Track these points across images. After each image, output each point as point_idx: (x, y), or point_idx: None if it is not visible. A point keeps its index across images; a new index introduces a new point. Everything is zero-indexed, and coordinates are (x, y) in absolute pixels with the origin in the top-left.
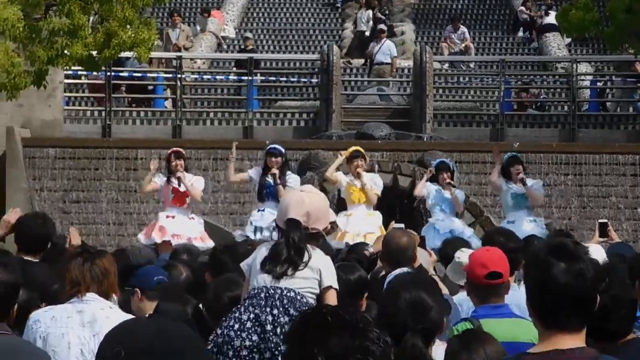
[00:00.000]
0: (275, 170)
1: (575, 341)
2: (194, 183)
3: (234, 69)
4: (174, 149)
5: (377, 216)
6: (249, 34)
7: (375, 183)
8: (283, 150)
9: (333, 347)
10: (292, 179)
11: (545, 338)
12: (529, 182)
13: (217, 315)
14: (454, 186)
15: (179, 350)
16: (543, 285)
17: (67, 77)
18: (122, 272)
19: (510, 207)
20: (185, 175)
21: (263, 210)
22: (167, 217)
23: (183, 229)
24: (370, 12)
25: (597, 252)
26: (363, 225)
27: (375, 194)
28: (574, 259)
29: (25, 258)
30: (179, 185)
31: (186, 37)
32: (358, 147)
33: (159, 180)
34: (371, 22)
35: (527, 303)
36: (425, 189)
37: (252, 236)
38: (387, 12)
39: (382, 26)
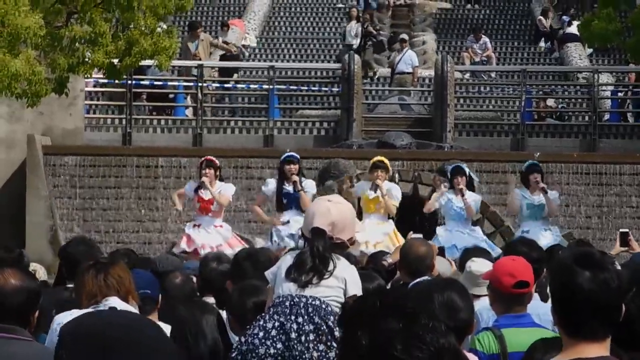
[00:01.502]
0: (296, 178)
1: (599, 350)
2: (222, 190)
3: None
4: (207, 157)
5: (388, 225)
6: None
7: (393, 194)
8: (298, 157)
9: (377, 331)
10: (308, 184)
11: (569, 347)
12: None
13: (240, 319)
14: (465, 191)
15: (152, 343)
16: (568, 293)
17: (88, 85)
18: None
19: (526, 217)
20: (217, 183)
21: (288, 222)
22: (194, 225)
23: (207, 238)
24: (359, 25)
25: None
26: (371, 234)
27: (393, 205)
28: (599, 268)
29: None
30: (203, 192)
31: (207, 45)
32: (382, 158)
33: (189, 187)
34: (359, 37)
35: (552, 311)
36: (436, 202)
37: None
38: (378, 27)
39: (404, 36)
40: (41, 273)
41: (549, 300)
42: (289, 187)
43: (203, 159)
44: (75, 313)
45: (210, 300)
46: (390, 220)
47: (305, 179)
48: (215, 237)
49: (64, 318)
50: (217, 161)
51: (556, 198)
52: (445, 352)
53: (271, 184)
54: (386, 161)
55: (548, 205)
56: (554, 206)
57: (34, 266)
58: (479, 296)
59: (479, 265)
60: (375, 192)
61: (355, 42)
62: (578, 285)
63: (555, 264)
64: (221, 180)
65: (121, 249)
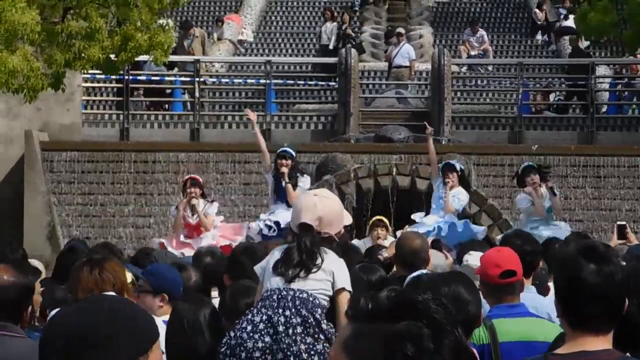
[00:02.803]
0: (284, 169)
1: (602, 343)
2: (207, 210)
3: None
4: (191, 175)
5: None
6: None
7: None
8: (294, 153)
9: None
10: (303, 179)
11: (572, 339)
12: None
13: (233, 321)
14: (455, 187)
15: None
16: (572, 285)
17: (85, 80)
18: None
19: (532, 214)
20: (200, 201)
21: (273, 212)
22: (186, 236)
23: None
24: (335, 25)
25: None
26: None
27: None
28: (604, 262)
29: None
30: (192, 216)
31: (201, 41)
32: (381, 217)
33: (173, 211)
34: (334, 37)
35: (556, 303)
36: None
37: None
38: (356, 29)
39: (401, 29)
40: (40, 269)
41: (549, 294)
42: (281, 182)
43: (187, 177)
44: None
45: (214, 293)
46: None
47: (302, 176)
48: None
49: None
50: (201, 179)
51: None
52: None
53: (270, 178)
54: (385, 220)
55: (554, 206)
56: (560, 206)
57: (32, 262)
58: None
59: (476, 259)
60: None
61: (331, 43)
62: (583, 278)
63: (561, 256)
64: (203, 196)
65: (100, 243)
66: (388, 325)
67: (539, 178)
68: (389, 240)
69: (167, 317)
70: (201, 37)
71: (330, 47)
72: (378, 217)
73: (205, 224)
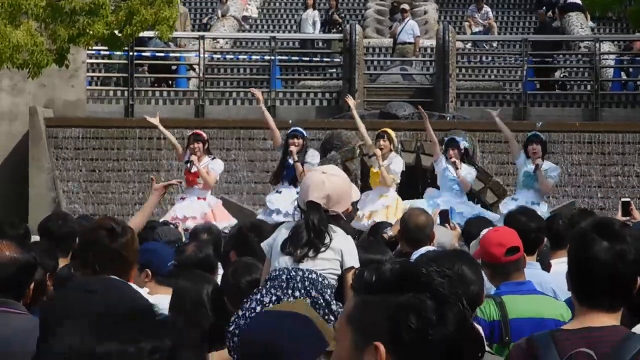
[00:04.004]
0: (293, 148)
1: (610, 320)
2: (211, 165)
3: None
4: (194, 131)
5: (389, 198)
6: None
7: (391, 168)
8: (305, 133)
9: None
10: (311, 154)
11: (580, 315)
12: (546, 165)
13: (235, 299)
14: (459, 165)
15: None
16: (583, 262)
17: (89, 57)
18: None
19: (520, 184)
20: (204, 157)
21: (280, 192)
22: (181, 198)
23: (186, 210)
24: (316, 12)
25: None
26: (370, 205)
27: (391, 178)
28: (617, 239)
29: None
30: (190, 168)
31: (185, 19)
32: (386, 129)
33: (185, 157)
34: (319, 24)
35: (567, 278)
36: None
37: (270, 219)
38: (342, 14)
39: (405, 6)
40: None
41: (552, 269)
42: (290, 160)
43: (191, 132)
44: None
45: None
46: (392, 192)
47: (310, 150)
48: (193, 210)
49: None
50: (205, 135)
51: (555, 175)
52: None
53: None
54: (389, 131)
55: (539, 181)
56: (546, 183)
57: (35, 239)
58: None
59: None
60: (376, 166)
61: (317, 30)
62: (594, 255)
63: (575, 231)
64: (209, 154)
65: (56, 213)
66: (392, 296)
67: (541, 149)
68: (392, 157)
69: (154, 295)
70: (184, 15)
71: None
72: (383, 129)
73: (206, 180)
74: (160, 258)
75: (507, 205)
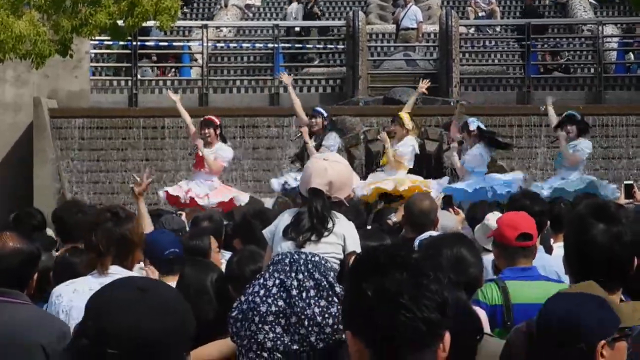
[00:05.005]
0: (304, 129)
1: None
2: (219, 152)
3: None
4: (206, 117)
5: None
6: None
7: (400, 151)
8: (325, 113)
9: (383, 281)
10: (329, 136)
11: None
12: (577, 142)
13: (240, 287)
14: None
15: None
16: (580, 244)
17: (93, 47)
18: None
19: (557, 164)
20: (217, 143)
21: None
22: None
23: (194, 185)
24: (300, 6)
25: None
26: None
27: (398, 162)
28: (613, 221)
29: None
30: (200, 151)
31: None
32: (400, 113)
33: (199, 144)
34: (300, 17)
35: (564, 260)
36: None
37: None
38: (321, 7)
39: None
40: (55, 239)
41: (554, 252)
42: (312, 142)
43: (203, 118)
44: (72, 284)
45: (227, 255)
46: (401, 174)
47: (330, 133)
48: (202, 188)
49: (62, 290)
50: (217, 120)
51: (583, 149)
52: (447, 305)
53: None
54: (401, 114)
55: (563, 155)
56: (569, 156)
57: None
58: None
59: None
60: (392, 146)
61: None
62: (591, 237)
63: (572, 214)
64: (224, 140)
65: (70, 201)
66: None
67: (576, 129)
68: (405, 141)
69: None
70: None
71: (297, 29)
72: (400, 113)
73: (210, 166)
74: (156, 247)
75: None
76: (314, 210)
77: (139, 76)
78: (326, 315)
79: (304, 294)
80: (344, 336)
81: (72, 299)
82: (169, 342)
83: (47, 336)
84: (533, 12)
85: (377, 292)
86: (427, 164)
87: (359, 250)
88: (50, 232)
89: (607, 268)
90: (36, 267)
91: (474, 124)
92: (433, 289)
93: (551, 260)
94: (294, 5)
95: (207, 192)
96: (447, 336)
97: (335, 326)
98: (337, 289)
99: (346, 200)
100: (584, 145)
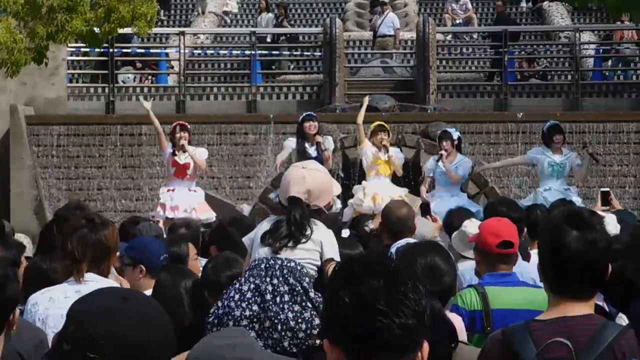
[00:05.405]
0: (319, 138)
1: (584, 309)
2: (197, 153)
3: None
4: (179, 122)
5: (396, 188)
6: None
7: (398, 156)
8: (317, 116)
9: (359, 288)
10: (328, 141)
11: (554, 305)
12: (578, 160)
13: (215, 293)
14: (453, 154)
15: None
16: (555, 251)
17: (69, 54)
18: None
19: (547, 175)
20: (189, 147)
21: None
22: (168, 190)
23: (181, 200)
24: (271, 16)
25: (609, 220)
26: (390, 190)
27: (399, 165)
28: (587, 228)
29: None
30: (178, 155)
31: None
32: (382, 123)
33: (168, 148)
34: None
35: (539, 268)
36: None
37: None
38: (292, 21)
39: None
40: (25, 243)
41: (531, 260)
42: (310, 149)
43: (175, 123)
44: (48, 292)
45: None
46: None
47: (325, 137)
48: (190, 200)
49: (38, 298)
50: (188, 125)
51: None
52: (425, 313)
53: (293, 142)
54: (386, 125)
55: (582, 171)
56: (580, 173)
57: (18, 237)
58: (470, 258)
59: (474, 227)
60: (385, 155)
61: (267, 34)
62: (566, 244)
63: (546, 222)
64: (189, 144)
65: (73, 202)
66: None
67: (562, 138)
68: (392, 152)
69: (147, 290)
70: None
71: (268, 39)
72: (379, 122)
73: (198, 162)
74: (152, 253)
75: (539, 197)
76: (292, 218)
77: (120, 83)
78: (299, 320)
79: (277, 299)
80: (317, 341)
81: (48, 307)
82: (152, 352)
83: (24, 344)
84: (505, 19)
85: (353, 299)
86: (404, 171)
87: (337, 257)
88: (20, 236)
89: (581, 275)
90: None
91: (456, 133)
92: (410, 296)
93: (528, 267)
94: (264, 15)
95: (194, 206)
96: (426, 345)
97: (309, 331)
98: (312, 295)
99: (325, 208)
100: (466, 162)
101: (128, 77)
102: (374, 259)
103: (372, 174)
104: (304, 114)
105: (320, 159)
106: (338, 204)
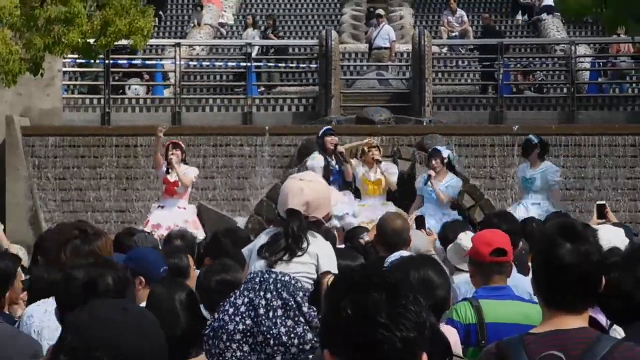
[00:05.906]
0: (341, 149)
1: (577, 321)
2: (186, 172)
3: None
4: (172, 140)
5: (391, 206)
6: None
7: (391, 172)
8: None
9: (361, 300)
10: (391, 167)
11: (548, 318)
12: (555, 175)
13: (203, 297)
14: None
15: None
16: (548, 264)
17: (65, 65)
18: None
19: (522, 189)
20: (181, 165)
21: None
22: (158, 207)
23: (166, 218)
24: (257, 32)
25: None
26: (378, 213)
27: (394, 181)
28: (580, 240)
29: None
30: (169, 174)
31: None
32: (370, 141)
33: (163, 167)
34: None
35: (532, 281)
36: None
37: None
38: (280, 33)
39: (381, 11)
40: (21, 254)
41: (530, 274)
42: (332, 162)
43: (169, 142)
44: (44, 304)
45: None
46: (391, 202)
47: (388, 164)
48: (174, 217)
49: (33, 310)
50: (182, 144)
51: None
52: (425, 326)
53: (319, 159)
54: (374, 141)
55: (556, 190)
56: (558, 194)
57: (13, 248)
58: (465, 271)
59: (469, 239)
60: (376, 173)
61: (255, 50)
62: (559, 257)
63: (539, 234)
64: (185, 163)
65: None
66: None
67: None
68: (385, 164)
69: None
70: None
71: (254, 54)
72: (367, 140)
73: (183, 181)
74: (152, 264)
75: (516, 210)
76: (290, 230)
77: (129, 94)
78: (292, 335)
79: (270, 314)
80: (310, 357)
81: (43, 319)
82: None
83: (19, 353)
84: (491, 31)
85: (355, 310)
86: (400, 183)
87: (334, 269)
88: (15, 247)
89: (575, 287)
90: (8, 286)
91: (445, 151)
92: (411, 309)
93: (524, 280)
94: (249, 30)
95: (178, 224)
96: (425, 357)
97: (301, 346)
98: (305, 309)
99: (324, 219)
100: (455, 182)
101: (136, 89)
102: (374, 271)
103: (364, 195)
104: (324, 129)
105: (341, 170)
106: (334, 223)
